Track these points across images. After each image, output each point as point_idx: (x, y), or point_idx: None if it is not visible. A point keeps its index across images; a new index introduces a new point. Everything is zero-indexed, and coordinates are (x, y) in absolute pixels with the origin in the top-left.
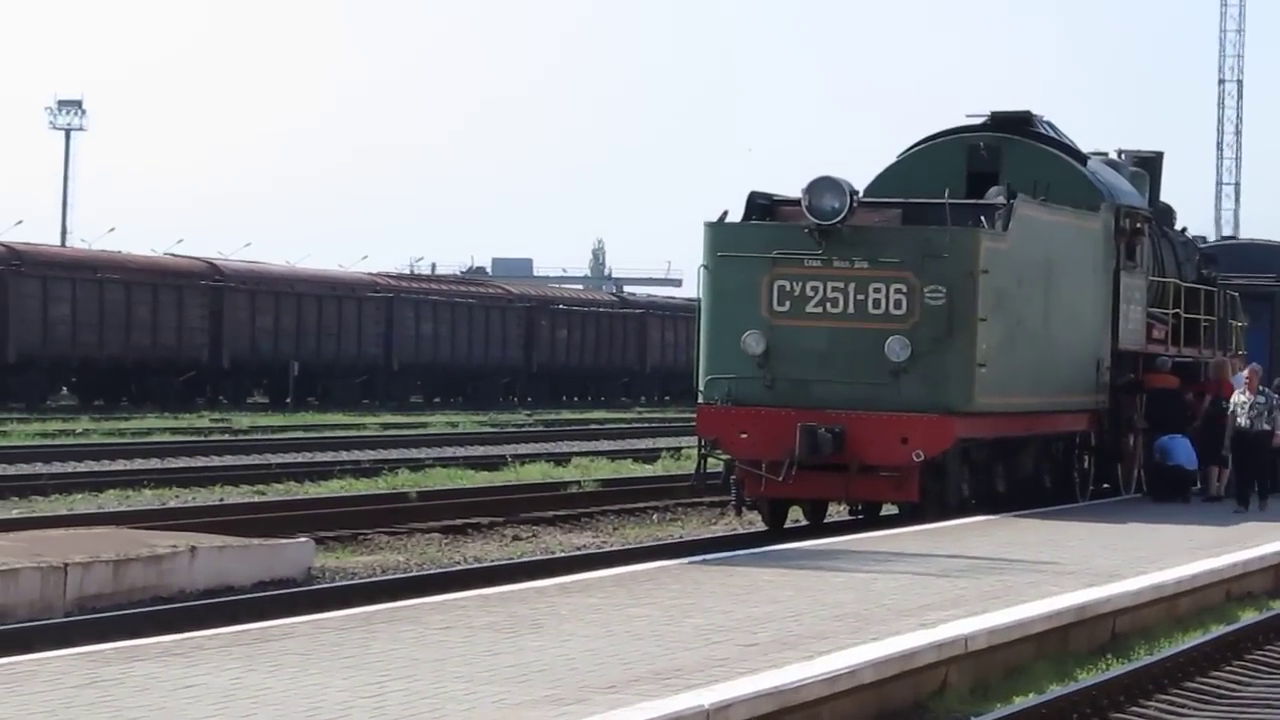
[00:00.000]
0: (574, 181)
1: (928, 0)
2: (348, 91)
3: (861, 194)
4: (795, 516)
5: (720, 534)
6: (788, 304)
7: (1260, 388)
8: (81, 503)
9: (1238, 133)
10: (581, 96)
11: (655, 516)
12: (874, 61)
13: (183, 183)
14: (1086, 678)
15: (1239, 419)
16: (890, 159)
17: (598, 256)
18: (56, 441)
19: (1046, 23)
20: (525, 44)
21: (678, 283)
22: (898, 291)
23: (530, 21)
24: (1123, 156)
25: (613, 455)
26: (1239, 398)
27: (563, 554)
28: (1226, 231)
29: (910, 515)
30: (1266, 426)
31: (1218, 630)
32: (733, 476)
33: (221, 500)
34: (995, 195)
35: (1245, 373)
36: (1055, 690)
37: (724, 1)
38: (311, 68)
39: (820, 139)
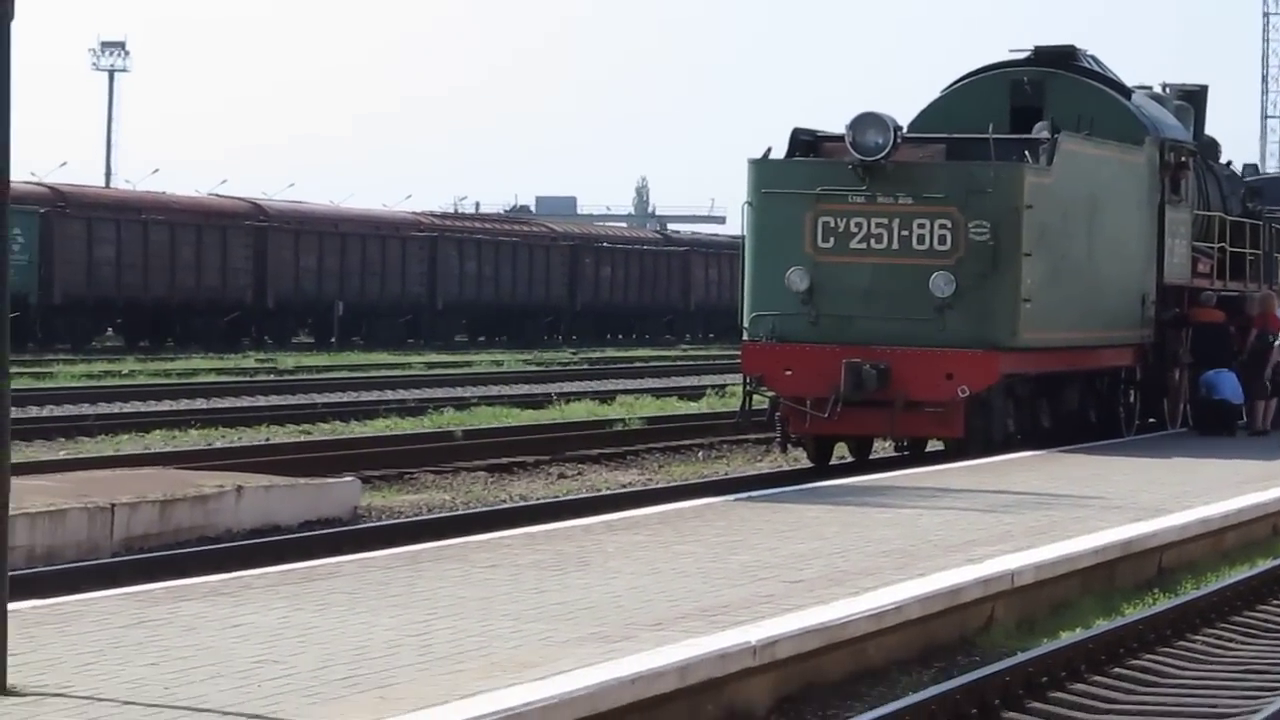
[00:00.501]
0: (618, 120)
1: None
2: (392, 33)
3: (905, 130)
4: (841, 453)
5: (765, 471)
6: (832, 240)
7: None
8: (128, 443)
9: None
10: (626, 34)
11: (700, 454)
12: None
13: (226, 124)
14: (1133, 612)
15: None
16: (934, 95)
17: (641, 194)
18: (102, 383)
19: None
20: None
21: (722, 220)
22: (942, 227)
23: None
24: (1167, 90)
25: (658, 393)
26: None
27: (608, 492)
28: (1271, 166)
29: (955, 451)
30: None
31: (1264, 564)
32: (778, 413)
33: (267, 440)
34: (1040, 130)
35: None
36: (1102, 625)
37: None
38: (356, 10)
39: (864, 76)
